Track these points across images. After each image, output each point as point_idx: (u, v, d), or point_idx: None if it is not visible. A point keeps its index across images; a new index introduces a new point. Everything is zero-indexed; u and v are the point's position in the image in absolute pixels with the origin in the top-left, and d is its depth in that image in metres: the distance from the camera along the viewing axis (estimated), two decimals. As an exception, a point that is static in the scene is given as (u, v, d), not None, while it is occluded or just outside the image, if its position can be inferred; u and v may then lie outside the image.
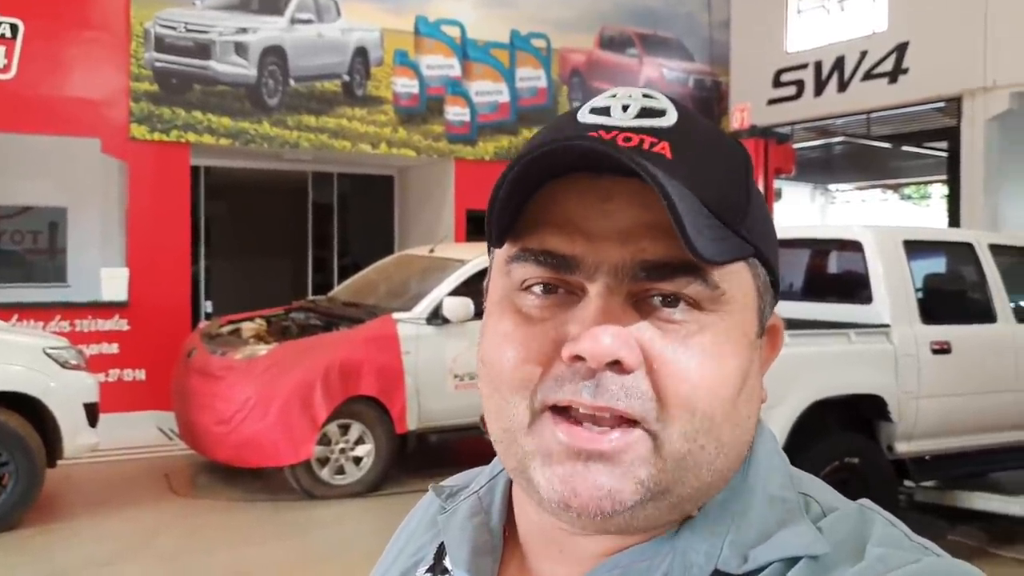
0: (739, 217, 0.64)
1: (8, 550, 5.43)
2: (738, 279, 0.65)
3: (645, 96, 0.66)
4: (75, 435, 5.93)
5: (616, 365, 0.60)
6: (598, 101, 0.67)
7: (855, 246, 5.78)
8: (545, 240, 0.64)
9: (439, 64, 10.90)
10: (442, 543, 0.77)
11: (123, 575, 5.14)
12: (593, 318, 0.61)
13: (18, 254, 10.46)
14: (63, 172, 10.23)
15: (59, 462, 6.00)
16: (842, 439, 5.33)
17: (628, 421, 0.61)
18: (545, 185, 0.64)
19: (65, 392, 5.91)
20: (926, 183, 17.65)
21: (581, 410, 0.61)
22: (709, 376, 0.62)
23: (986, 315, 5.86)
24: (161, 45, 9.30)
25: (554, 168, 0.63)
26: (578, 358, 0.60)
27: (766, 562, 0.62)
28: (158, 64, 9.28)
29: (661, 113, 0.65)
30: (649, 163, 0.59)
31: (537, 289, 0.65)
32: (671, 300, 0.63)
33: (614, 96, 0.66)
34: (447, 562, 0.75)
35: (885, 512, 0.66)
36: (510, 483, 0.76)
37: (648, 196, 0.61)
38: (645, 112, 0.65)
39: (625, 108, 0.65)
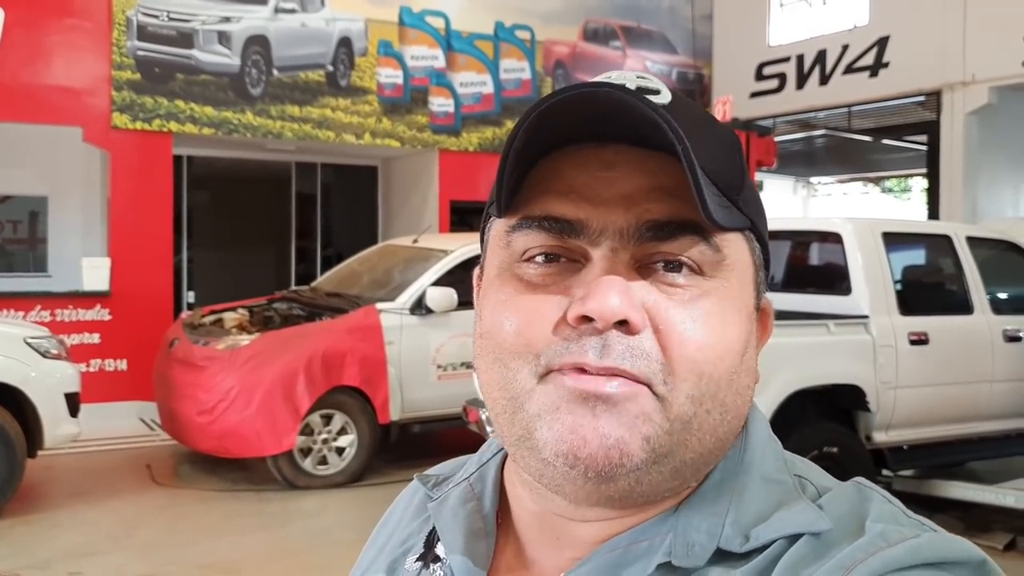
0: (736, 190, 0.65)
1: (-11, 540, 5.42)
2: (737, 248, 0.66)
3: (639, 77, 0.66)
4: (56, 425, 5.91)
5: (623, 326, 0.60)
6: (595, 80, 0.66)
7: (835, 238, 5.83)
8: (548, 206, 0.64)
9: (423, 55, 10.89)
10: (432, 530, 0.76)
11: (105, 565, 5.12)
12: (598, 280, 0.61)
13: (-2, 243, 10.40)
14: (44, 161, 10.16)
15: (40, 452, 5.98)
16: (821, 429, 5.39)
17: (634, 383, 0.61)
18: (546, 157, 0.64)
19: (46, 382, 5.89)
20: (906, 176, 17.79)
21: (587, 372, 0.61)
22: (714, 339, 0.62)
23: (963, 307, 5.93)
24: (143, 33, 9.24)
25: (566, 129, 0.63)
26: (584, 319, 0.60)
27: (769, 540, 0.62)
28: (140, 53, 9.23)
29: (656, 92, 0.65)
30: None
31: (539, 258, 0.65)
32: (674, 265, 0.63)
33: (609, 77, 0.66)
34: (439, 549, 0.74)
35: (881, 489, 0.66)
36: (501, 470, 0.75)
37: (650, 163, 0.63)
38: (641, 90, 0.65)
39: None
